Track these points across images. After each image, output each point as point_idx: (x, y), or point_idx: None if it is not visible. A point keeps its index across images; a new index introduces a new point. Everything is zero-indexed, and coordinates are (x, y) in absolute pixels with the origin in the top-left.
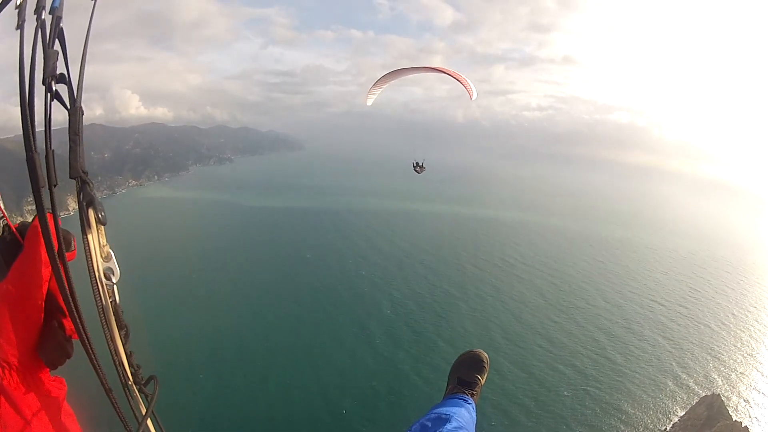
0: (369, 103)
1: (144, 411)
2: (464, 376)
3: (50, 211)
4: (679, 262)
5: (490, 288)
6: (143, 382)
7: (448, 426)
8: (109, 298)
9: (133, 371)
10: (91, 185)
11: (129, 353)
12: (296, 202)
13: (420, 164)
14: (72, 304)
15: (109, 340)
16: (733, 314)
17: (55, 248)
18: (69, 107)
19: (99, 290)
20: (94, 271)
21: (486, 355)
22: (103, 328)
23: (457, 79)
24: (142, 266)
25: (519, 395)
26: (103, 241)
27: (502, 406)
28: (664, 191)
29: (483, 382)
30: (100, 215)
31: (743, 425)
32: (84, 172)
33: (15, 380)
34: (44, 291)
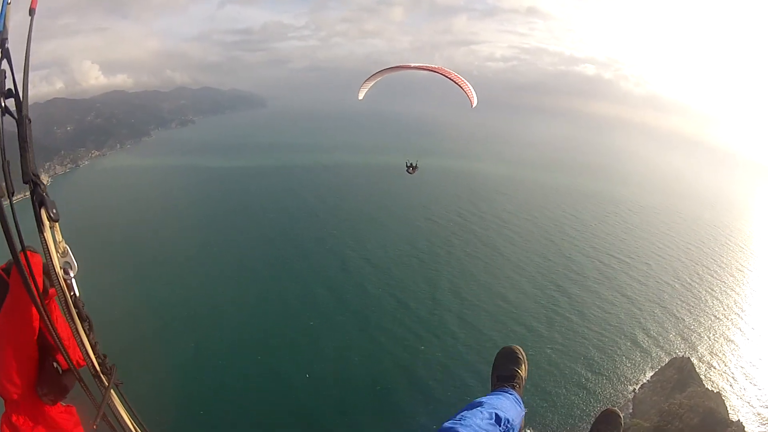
0: (360, 96)
1: (116, 399)
2: (501, 371)
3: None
4: (643, 217)
5: (444, 242)
6: (109, 371)
7: (481, 409)
8: (70, 292)
9: (99, 361)
10: (43, 186)
11: (94, 344)
12: (256, 161)
13: (413, 165)
14: (58, 341)
15: (75, 333)
16: (698, 274)
17: (33, 288)
18: (17, 117)
19: (59, 286)
20: (53, 268)
21: (519, 348)
22: (68, 322)
23: (457, 84)
24: (101, 238)
25: (471, 357)
26: (59, 237)
27: (453, 370)
28: (631, 143)
29: (524, 374)
30: (51, 213)
31: (715, 392)
32: (35, 175)
33: (21, 416)
34: (36, 328)
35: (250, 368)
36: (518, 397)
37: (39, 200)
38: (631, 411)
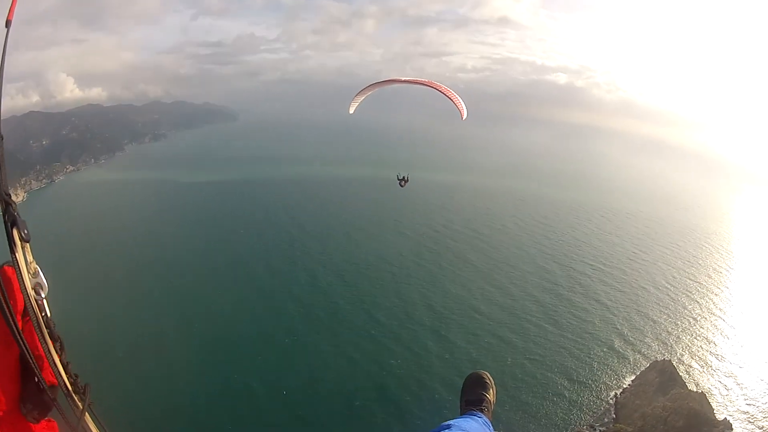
0: (351, 111)
1: (88, 418)
2: (470, 396)
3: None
4: (616, 223)
5: (415, 256)
6: (83, 390)
7: (448, 430)
8: (41, 312)
9: (72, 381)
10: (15, 206)
11: (66, 363)
12: (228, 174)
13: (404, 178)
14: (32, 360)
15: (47, 353)
16: (674, 277)
17: (5, 307)
18: None
19: (31, 307)
20: (24, 288)
21: (487, 373)
22: (40, 342)
23: (448, 97)
24: (79, 253)
25: (446, 370)
26: (30, 257)
27: (427, 383)
28: (606, 150)
29: (492, 398)
30: (23, 233)
31: (699, 393)
32: (7, 195)
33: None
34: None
35: (225, 386)
36: (487, 420)
37: (11, 220)
38: (613, 416)
